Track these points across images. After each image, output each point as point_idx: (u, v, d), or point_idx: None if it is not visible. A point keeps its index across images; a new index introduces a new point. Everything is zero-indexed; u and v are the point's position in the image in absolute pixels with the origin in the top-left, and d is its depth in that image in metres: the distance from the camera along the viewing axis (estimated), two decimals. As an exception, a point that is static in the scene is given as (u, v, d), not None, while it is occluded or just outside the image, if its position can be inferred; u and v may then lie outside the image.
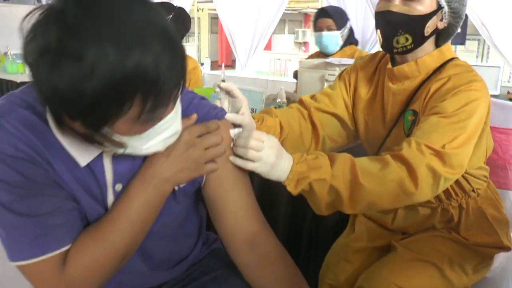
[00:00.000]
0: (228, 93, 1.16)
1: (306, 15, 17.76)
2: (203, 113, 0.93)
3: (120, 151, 0.76)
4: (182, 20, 2.54)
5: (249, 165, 0.96)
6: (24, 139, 0.75)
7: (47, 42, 0.61)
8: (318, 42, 2.55)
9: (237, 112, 1.14)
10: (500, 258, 1.40)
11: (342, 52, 2.54)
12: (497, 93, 3.68)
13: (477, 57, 12.01)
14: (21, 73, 3.92)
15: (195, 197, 1.00)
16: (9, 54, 4.02)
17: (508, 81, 6.77)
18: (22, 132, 0.75)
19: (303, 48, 16.92)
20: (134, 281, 0.98)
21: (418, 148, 1.04)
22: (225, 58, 15.52)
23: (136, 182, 0.83)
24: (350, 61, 1.80)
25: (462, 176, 1.22)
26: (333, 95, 1.40)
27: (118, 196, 0.84)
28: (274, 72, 13.36)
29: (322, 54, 2.66)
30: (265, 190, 1.58)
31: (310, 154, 1.05)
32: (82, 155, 0.79)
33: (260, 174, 1.00)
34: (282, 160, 1.01)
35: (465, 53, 11.55)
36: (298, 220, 1.59)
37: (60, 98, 0.63)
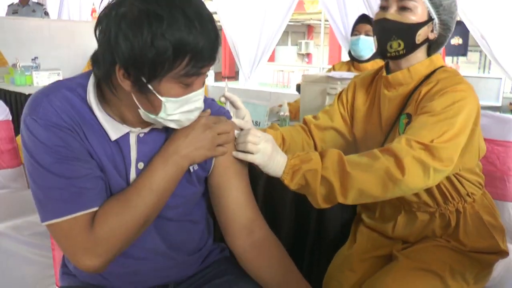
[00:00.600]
0: (232, 103, 1.28)
1: (309, 26, 17.86)
2: (215, 110, 1.09)
3: (152, 116, 0.91)
4: None
5: (249, 157, 1.09)
6: (66, 112, 0.91)
7: (130, 9, 0.82)
8: (355, 45, 2.59)
9: None
10: (499, 268, 1.43)
11: (373, 63, 2.60)
12: (499, 104, 3.70)
13: (479, 68, 12.05)
14: (29, 85, 3.95)
15: (203, 189, 1.11)
16: (18, 66, 4.05)
17: (511, 92, 6.79)
18: (65, 107, 0.91)
19: (306, 60, 17.01)
20: (159, 274, 1.09)
21: (407, 143, 1.13)
22: (228, 70, 15.61)
23: (159, 157, 0.96)
24: (351, 75, 1.85)
25: (457, 178, 1.29)
26: (330, 111, 1.52)
27: (140, 172, 0.97)
28: (277, 83, 13.43)
29: (351, 63, 2.71)
30: (268, 201, 1.62)
31: (302, 152, 1.18)
32: (114, 130, 0.95)
33: (259, 166, 1.12)
34: (278, 154, 1.14)
35: (467, 64, 11.60)
36: (301, 230, 1.62)
37: (131, 51, 0.82)
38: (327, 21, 11.74)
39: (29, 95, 3.33)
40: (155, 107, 0.90)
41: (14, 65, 4.14)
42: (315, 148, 1.48)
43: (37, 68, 4.08)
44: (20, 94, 3.55)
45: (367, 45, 2.56)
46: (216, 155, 1.04)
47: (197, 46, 0.84)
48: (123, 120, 0.96)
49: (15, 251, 1.79)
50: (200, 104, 0.95)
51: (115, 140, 0.96)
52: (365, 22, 2.61)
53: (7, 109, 2.20)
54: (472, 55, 11.60)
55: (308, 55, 17.15)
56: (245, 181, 1.10)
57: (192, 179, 1.05)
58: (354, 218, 1.57)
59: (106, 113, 0.94)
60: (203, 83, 0.94)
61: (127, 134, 0.97)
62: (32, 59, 4.16)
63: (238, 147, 1.10)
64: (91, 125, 0.93)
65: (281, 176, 1.14)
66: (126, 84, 0.87)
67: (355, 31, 2.62)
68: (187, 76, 0.87)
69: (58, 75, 4.00)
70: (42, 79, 3.97)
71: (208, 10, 0.89)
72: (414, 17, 1.26)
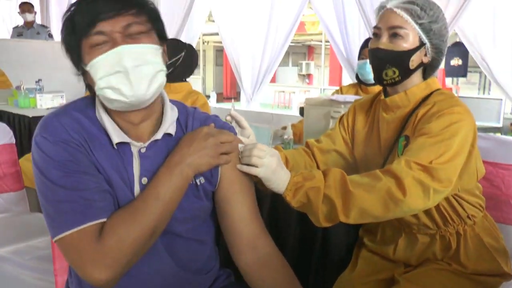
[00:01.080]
0: (238, 123, 1.30)
1: (309, 47, 18.03)
2: (219, 125, 1.11)
3: (98, 94, 0.97)
4: (192, 57, 2.69)
5: (253, 170, 1.10)
6: (74, 129, 0.97)
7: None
8: (361, 69, 2.62)
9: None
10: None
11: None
12: (500, 125, 3.70)
13: (479, 89, 12.10)
14: (32, 108, 3.95)
15: (211, 206, 1.11)
16: (22, 88, 4.07)
17: (511, 113, 6.80)
18: (73, 126, 0.97)
19: (307, 81, 17.12)
20: None
21: (407, 164, 1.15)
22: (229, 90, 15.72)
23: (164, 168, 0.99)
24: (355, 99, 1.86)
25: (456, 200, 1.31)
26: (332, 134, 1.55)
27: (144, 188, 0.99)
28: (278, 104, 13.49)
29: (358, 85, 2.73)
30: (273, 220, 1.63)
31: (305, 169, 1.20)
32: (117, 135, 0.99)
33: (262, 180, 1.13)
34: (282, 170, 1.16)
35: (466, 85, 11.65)
36: (305, 250, 1.63)
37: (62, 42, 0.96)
38: (327, 42, 11.87)
39: (33, 117, 3.42)
40: (92, 82, 0.96)
41: (18, 87, 4.15)
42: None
43: (40, 90, 4.10)
44: (24, 116, 3.56)
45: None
46: (220, 163, 1.05)
47: (81, 8, 0.92)
48: (124, 131, 1.01)
49: (16, 276, 1.77)
50: (128, 62, 0.92)
51: (120, 154, 0.99)
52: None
53: (11, 132, 2.21)
54: (472, 76, 11.67)
55: (309, 76, 17.26)
56: (250, 196, 1.11)
57: (199, 193, 1.05)
58: (356, 243, 1.58)
59: (114, 121, 1.00)
60: (125, 40, 0.93)
61: (129, 145, 1.01)
62: (36, 81, 4.18)
63: (243, 160, 1.11)
64: (98, 141, 0.99)
65: (284, 193, 1.16)
66: (84, 78, 0.98)
67: (361, 55, 2.65)
68: (90, 35, 0.92)
69: (61, 97, 4.02)
70: (45, 102, 3.98)
71: None
72: (406, 44, 1.29)
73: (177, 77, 2.63)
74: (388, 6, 1.31)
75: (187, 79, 2.73)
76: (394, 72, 1.32)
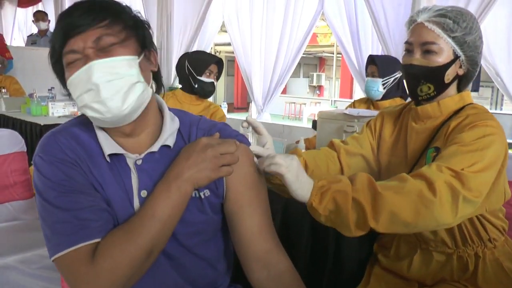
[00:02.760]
0: (254, 129, 1.26)
1: (321, 59, 18.06)
2: (225, 134, 1.06)
3: (83, 111, 0.94)
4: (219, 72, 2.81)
5: (282, 168, 1.05)
6: (71, 148, 0.95)
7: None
8: (365, 87, 2.69)
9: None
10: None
11: (392, 101, 2.65)
12: (512, 141, 3.66)
13: (491, 104, 12.02)
14: (44, 116, 3.98)
15: (220, 219, 1.07)
16: (34, 96, 4.10)
17: (524, 129, 6.73)
18: (70, 143, 0.96)
19: (318, 92, 17.12)
20: None
21: (438, 168, 1.10)
22: (240, 101, 15.75)
23: (161, 184, 0.94)
24: (369, 113, 1.84)
25: (479, 221, 1.27)
26: (360, 138, 1.50)
27: (144, 201, 0.95)
28: (289, 115, 13.49)
29: (370, 101, 2.77)
30: (284, 235, 1.59)
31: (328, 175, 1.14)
32: (108, 146, 0.97)
33: (287, 184, 1.07)
34: (304, 175, 1.09)
35: (479, 100, 11.59)
36: (317, 266, 1.60)
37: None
38: (339, 54, 11.88)
39: (44, 125, 3.43)
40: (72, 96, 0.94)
41: (31, 95, 4.19)
42: (341, 174, 1.44)
43: (53, 98, 4.13)
44: (36, 124, 3.58)
45: (373, 86, 2.62)
46: (221, 175, 0.97)
47: (58, 23, 0.91)
48: (118, 143, 0.99)
49: (23, 285, 1.76)
50: (98, 78, 0.89)
51: (116, 167, 0.97)
52: (371, 63, 2.68)
53: (23, 141, 2.22)
54: (484, 91, 11.59)
55: (319, 87, 17.27)
56: (260, 208, 1.04)
57: (203, 207, 1.01)
58: (370, 259, 1.54)
59: (108, 135, 0.99)
60: (97, 54, 0.90)
61: (124, 159, 0.98)
62: (49, 90, 4.22)
63: (266, 169, 1.07)
64: (96, 157, 0.97)
65: (309, 199, 1.08)
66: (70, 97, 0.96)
67: (366, 72, 2.71)
68: (64, 54, 0.91)
69: (73, 106, 4.04)
70: (57, 110, 4.01)
71: None
72: (440, 59, 1.25)
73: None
74: (419, 20, 1.27)
75: None
76: (429, 88, 1.28)
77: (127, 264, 0.87)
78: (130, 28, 0.94)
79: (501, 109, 11.62)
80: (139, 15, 0.99)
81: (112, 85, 0.89)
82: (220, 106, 5.41)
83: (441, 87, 1.29)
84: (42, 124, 3.51)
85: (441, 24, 1.23)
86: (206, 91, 2.72)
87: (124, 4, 0.97)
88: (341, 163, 1.44)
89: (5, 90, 4.41)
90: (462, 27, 1.23)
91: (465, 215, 1.12)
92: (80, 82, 0.90)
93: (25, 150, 2.24)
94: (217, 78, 2.77)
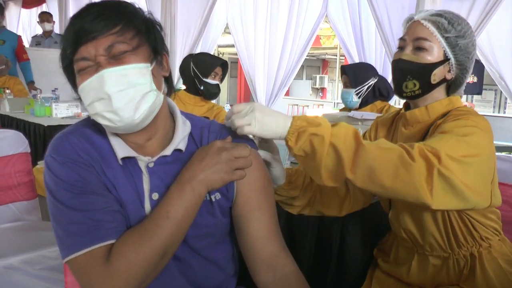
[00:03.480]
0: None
1: (324, 61, 18.03)
2: (235, 139, 1.06)
3: (95, 118, 0.94)
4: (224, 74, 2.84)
5: (246, 129, 1.05)
6: (84, 149, 0.95)
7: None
8: (342, 96, 2.72)
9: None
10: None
11: (372, 106, 2.67)
12: (515, 144, 3.65)
13: (494, 107, 11.96)
14: (48, 116, 3.98)
15: (228, 223, 1.07)
16: (38, 97, 4.11)
17: (528, 132, 6.70)
18: (83, 144, 0.95)
19: (321, 94, 17.10)
20: None
21: (419, 146, 1.06)
22: (243, 102, 15.71)
23: (175, 185, 0.94)
24: (373, 116, 1.84)
25: (469, 220, 1.26)
26: None
27: (155, 203, 0.95)
28: (292, 117, 13.42)
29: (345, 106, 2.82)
30: (287, 238, 1.59)
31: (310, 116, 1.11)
32: (121, 149, 0.96)
33: (259, 134, 1.07)
34: (279, 113, 1.09)
35: (481, 103, 11.53)
36: (320, 269, 1.60)
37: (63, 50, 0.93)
38: (342, 56, 11.85)
39: (48, 126, 3.43)
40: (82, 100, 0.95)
41: (35, 96, 4.20)
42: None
43: (56, 99, 4.14)
44: (39, 125, 3.58)
45: (347, 97, 2.66)
46: (235, 179, 0.98)
47: (69, 27, 0.90)
48: (130, 146, 0.98)
49: (27, 286, 1.77)
50: (110, 87, 0.88)
51: (128, 170, 0.97)
52: (343, 73, 2.71)
53: (27, 142, 2.22)
54: (487, 94, 11.55)
55: (322, 89, 17.24)
56: (268, 212, 1.05)
57: (214, 210, 1.01)
58: (371, 263, 1.54)
59: (120, 138, 0.98)
60: (109, 62, 0.90)
61: (136, 161, 0.98)
62: (52, 90, 4.22)
63: (233, 128, 1.06)
64: (109, 158, 0.96)
65: (285, 137, 1.07)
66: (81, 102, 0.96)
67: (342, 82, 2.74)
68: (76, 61, 0.90)
69: (76, 107, 4.05)
70: (61, 111, 4.01)
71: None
72: (429, 57, 1.25)
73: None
74: (416, 18, 1.28)
75: None
76: (415, 85, 1.28)
77: (142, 265, 0.87)
78: (142, 33, 0.93)
79: (504, 112, 11.58)
80: (151, 16, 0.98)
81: (124, 94, 0.89)
82: (223, 107, 5.42)
83: (426, 87, 1.28)
84: (45, 125, 3.51)
85: (436, 23, 1.24)
86: (212, 92, 2.73)
87: (136, 5, 0.97)
88: None
89: (9, 91, 4.42)
90: (457, 29, 1.24)
91: (443, 200, 1.04)
92: (91, 90, 0.90)
93: (29, 151, 2.23)
94: (222, 80, 2.77)
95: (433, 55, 1.25)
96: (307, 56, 4.74)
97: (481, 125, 1.17)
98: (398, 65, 1.30)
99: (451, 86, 1.32)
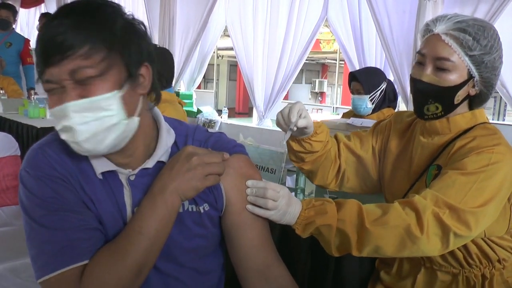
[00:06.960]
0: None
1: (323, 65, 18.07)
2: (221, 144, 1.02)
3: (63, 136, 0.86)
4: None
5: (267, 213, 1.03)
6: (60, 162, 0.89)
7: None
8: (352, 103, 2.60)
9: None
10: None
11: (379, 114, 2.57)
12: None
13: (493, 114, 11.97)
14: (42, 118, 3.94)
15: (219, 233, 1.03)
16: (32, 98, 4.07)
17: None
18: (60, 157, 0.89)
19: (320, 98, 17.11)
20: None
21: (432, 199, 1.07)
22: (242, 106, 15.73)
23: (147, 198, 0.89)
24: (372, 123, 1.78)
25: (485, 242, 1.21)
26: (363, 138, 1.46)
27: None
28: (290, 121, 13.40)
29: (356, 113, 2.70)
30: (283, 248, 1.55)
31: (317, 201, 1.11)
32: (100, 164, 0.91)
33: (274, 221, 1.07)
34: (291, 206, 1.08)
35: (482, 109, 11.52)
36: (317, 281, 1.57)
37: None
38: (342, 60, 11.86)
39: (41, 128, 3.38)
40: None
41: (29, 97, 4.16)
42: (339, 168, 1.42)
43: (51, 100, 4.09)
44: (32, 127, 3.54)
45: (361, 104, 2.54)
46: (208, 185, 0.92)
47: (40, 36, 0.81)
48: (109, 158, 0.92)
49: (13, 294, 1.71)
50: (73, 120, 0.81)
51: (108, 183, 0.92)
52: (353, 80, 2.58)
53: (16, 144, 2.17)
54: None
55: (322, 94, 17.25)
56: (261, 221, 1.02)
57: (202, 221, 0.98)
58: (372, 276, 1.49)
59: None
60: (74, 87, 0.81)
61: (116, 174, 0.93)
62: (47, 92, 4.18)
63: (256, 201, 1.02)
64: (87, 171, 0.91)
65: (293, 226, 1.10)
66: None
67: (350, 89, 2.61)
68: (43, 81, 0.83)
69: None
70: (55, 112, 3.96)
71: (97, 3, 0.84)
72: (452, 77, 1.16)
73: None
74: (436, 31, 1.17)
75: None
76: (437, 108, 1.20)
77: (115, 285, 0.83)
78: (115, 51, 0.83)
79: (503, 120, 11.57)
80: (132, 20, 0.88)
81: (87, 127, 0.82)
82: (221, 111, 5.37)
83: (450, 108, 1.21)
84: (38, 127, 3.48)
85: (459, 40, 1.13)
86: None
87: (117, 7, 0.87)
88: (340, 157, 1.42)
89: (2, 91, 4.36)
90: (482, 45, 1.14)
91: (456, 247, 1.11)
92: (57, 118, 0.84)
93: (19, 154, 2.20)
94: None
95: (456, 75, 1.16)
96: (306, 60, 4.70)
97: (505, 156, 1.11)
98: (418, 86, 1.21)
99: (474, 100, 1.24)
